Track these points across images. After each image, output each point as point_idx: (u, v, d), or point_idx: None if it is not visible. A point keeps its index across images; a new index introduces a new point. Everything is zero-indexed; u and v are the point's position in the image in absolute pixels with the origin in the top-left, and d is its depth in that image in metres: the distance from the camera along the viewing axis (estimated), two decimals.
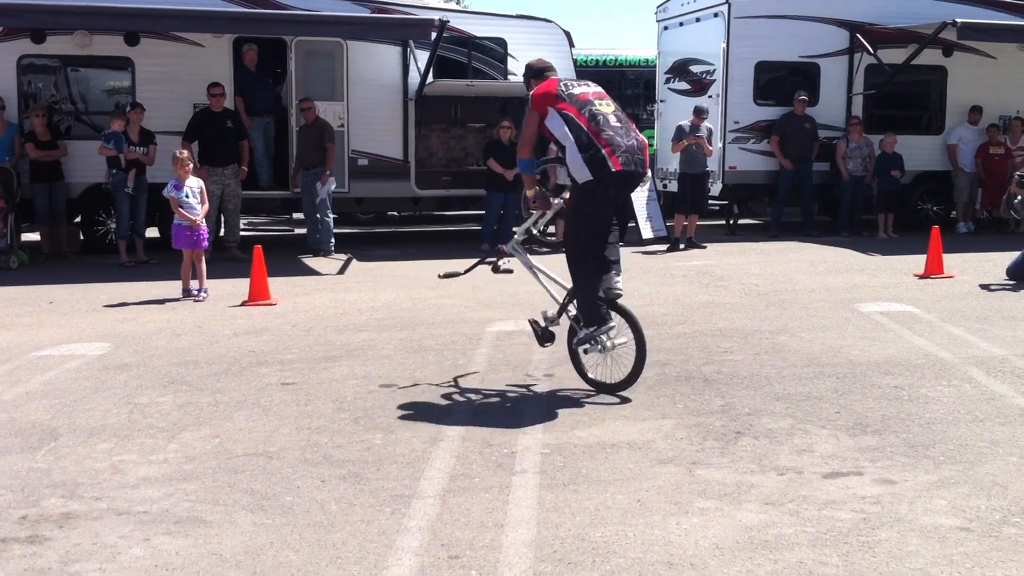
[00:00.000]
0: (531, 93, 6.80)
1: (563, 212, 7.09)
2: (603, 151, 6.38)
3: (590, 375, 6.86)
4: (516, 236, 7.22)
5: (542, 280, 7.17)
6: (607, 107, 6.61)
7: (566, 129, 6.50)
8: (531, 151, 6.90)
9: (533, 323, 7.06)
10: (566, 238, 6.87)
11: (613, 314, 6.64)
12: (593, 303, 6.59)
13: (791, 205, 17.18)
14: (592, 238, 6.66)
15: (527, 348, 8.10)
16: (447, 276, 7.40)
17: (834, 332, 8.76)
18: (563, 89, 6.64)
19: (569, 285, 6.90)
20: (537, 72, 7.00)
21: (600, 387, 6.79)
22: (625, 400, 6.58)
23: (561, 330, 7.08)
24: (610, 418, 6.22)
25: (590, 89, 6.75)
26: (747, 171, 16.76)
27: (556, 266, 7.32)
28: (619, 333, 6.68)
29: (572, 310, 6.90)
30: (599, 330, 6.56)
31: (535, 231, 7.30)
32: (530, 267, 7.15)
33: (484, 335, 8.70)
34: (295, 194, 14.71)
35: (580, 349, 6.82)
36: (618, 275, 6.73)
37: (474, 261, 7.57)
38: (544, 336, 7.00)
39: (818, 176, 16.80)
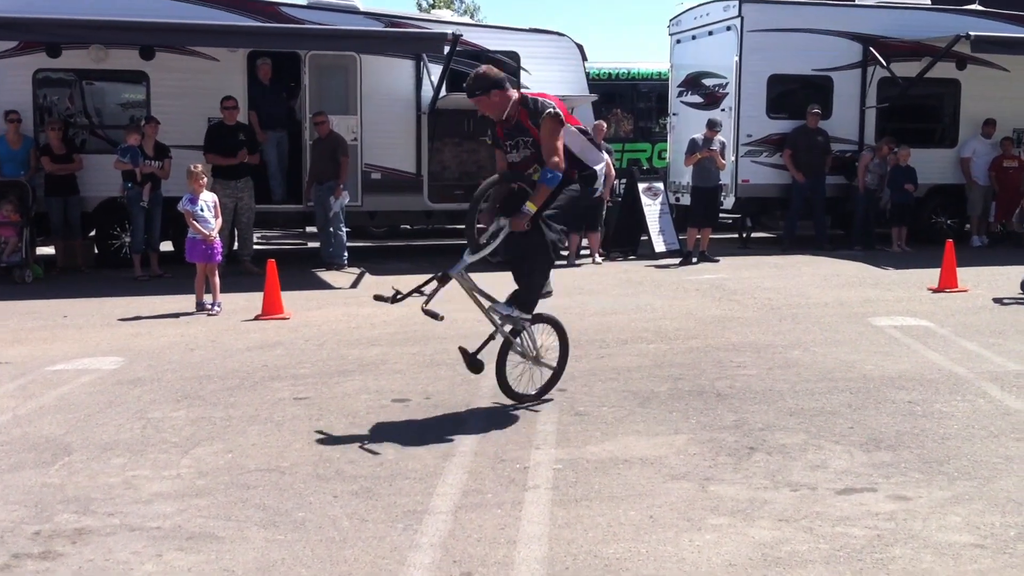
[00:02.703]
0: (555, 109, 6.46)
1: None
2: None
3: (516, 390, 6.85)
4: (466, 261, 6.54)
5: (483, 303, 6.76)
6: None
7: (587, 142, 6.79)
8: None
9: (463, 351, 6.72)
10: (550, 241, 6.64)
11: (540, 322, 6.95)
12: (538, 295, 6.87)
13: (804, 218, 17.16)
14: None
15: None
16: (379, 299, 6.57)
17: (848, 346, 8.74)
18: None
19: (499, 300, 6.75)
20: (501, 82, 6.54)
21: (522, 399, 6.85)
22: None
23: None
24: (622, 433, 6.21)
25: None
26: (760, 184, 16.74)
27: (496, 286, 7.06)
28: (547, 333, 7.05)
29: (508, 327, 6.75)
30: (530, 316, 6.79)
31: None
32: (472, 290, 6.68)
33: (496, 350, 8.67)
34: (308, 208, 14.76)
35: (507, 363, 6.78)
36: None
37: (410, 289, 6.55)
38: (474, 364, 6.71)
39: (830, 189, 16.78)
